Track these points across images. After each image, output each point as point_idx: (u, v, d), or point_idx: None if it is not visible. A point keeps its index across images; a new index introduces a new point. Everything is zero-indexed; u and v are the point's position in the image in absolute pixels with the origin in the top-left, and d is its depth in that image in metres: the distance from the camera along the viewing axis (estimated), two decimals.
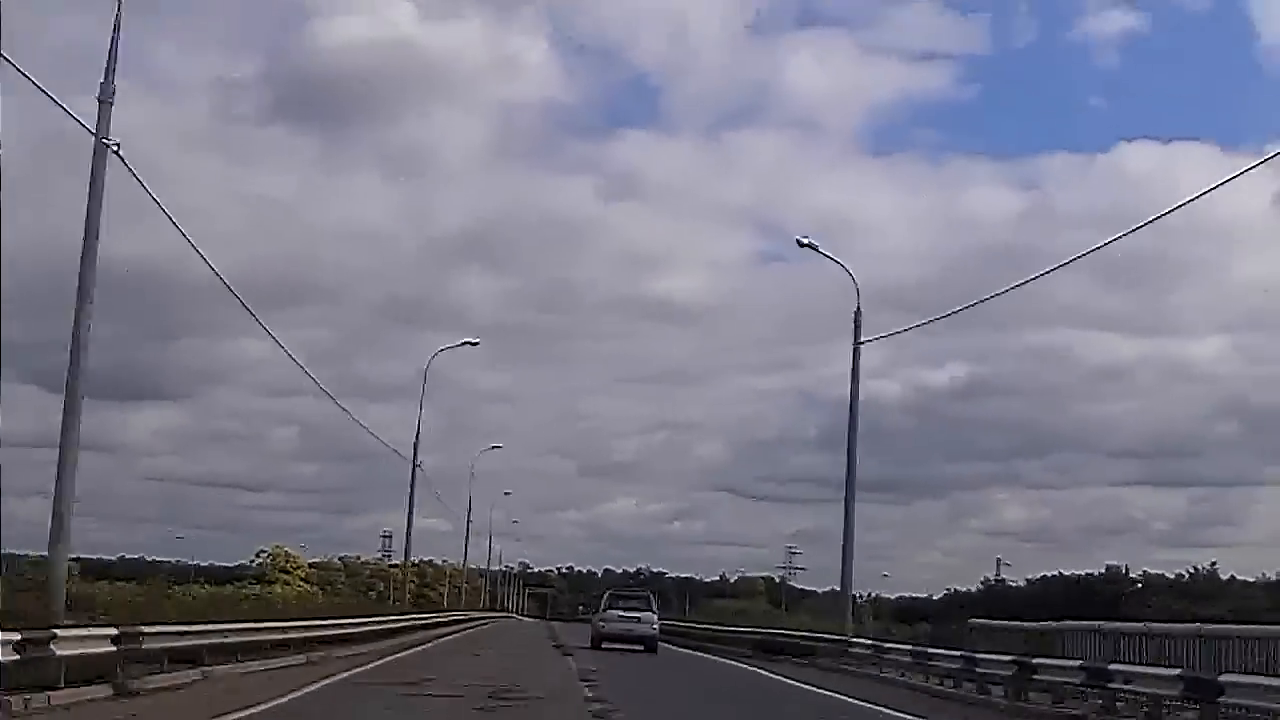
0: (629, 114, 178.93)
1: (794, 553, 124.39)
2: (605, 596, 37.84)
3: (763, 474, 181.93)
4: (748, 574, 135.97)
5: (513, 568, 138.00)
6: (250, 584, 62.46)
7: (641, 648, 34.65)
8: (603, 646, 34.56)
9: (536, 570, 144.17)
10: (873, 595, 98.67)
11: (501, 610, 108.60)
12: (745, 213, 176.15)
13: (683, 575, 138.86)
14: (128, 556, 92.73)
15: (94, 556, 73.84)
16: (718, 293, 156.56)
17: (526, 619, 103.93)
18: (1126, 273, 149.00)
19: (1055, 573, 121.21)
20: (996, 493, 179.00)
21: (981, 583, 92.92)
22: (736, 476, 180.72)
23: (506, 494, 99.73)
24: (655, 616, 36.09)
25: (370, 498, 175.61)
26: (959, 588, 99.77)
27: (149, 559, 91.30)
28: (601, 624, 36.04)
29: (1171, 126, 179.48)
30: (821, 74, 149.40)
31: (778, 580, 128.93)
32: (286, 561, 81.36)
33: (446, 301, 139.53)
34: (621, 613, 35.70)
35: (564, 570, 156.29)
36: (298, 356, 32.78)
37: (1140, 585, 73.93)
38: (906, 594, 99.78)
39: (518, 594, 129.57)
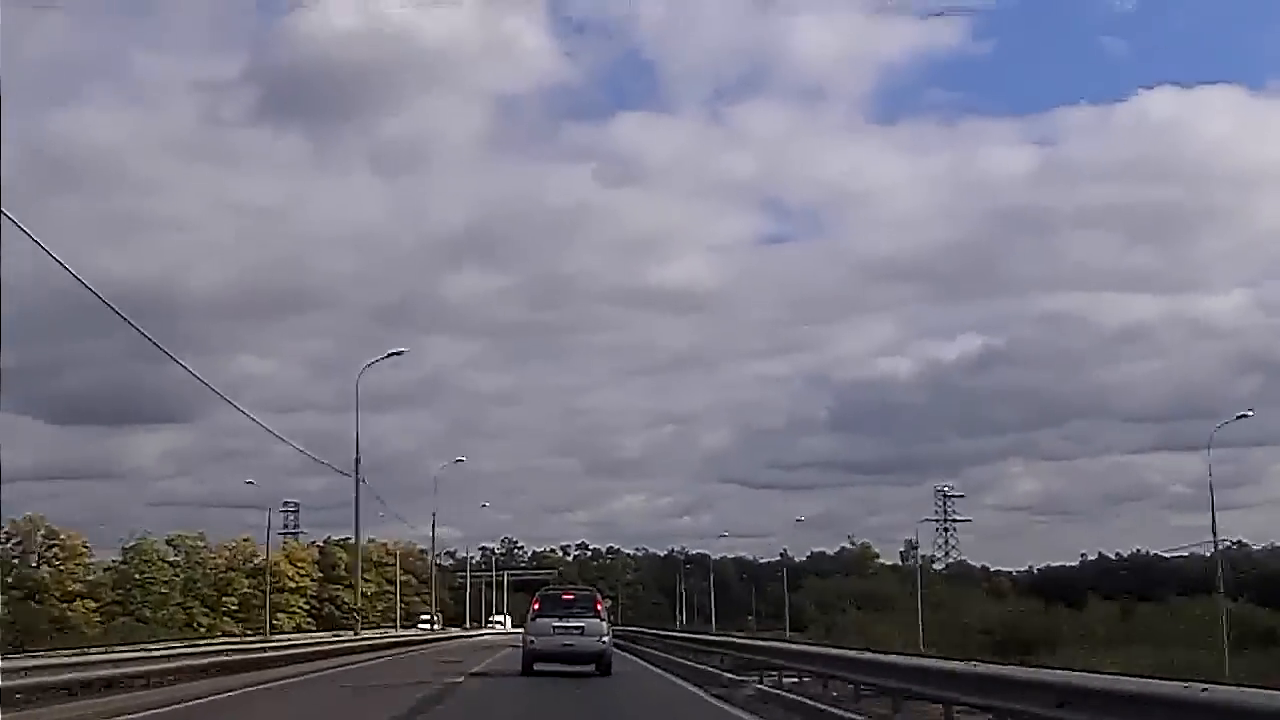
0: (628, 93, 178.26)
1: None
2: (536, 601, 28.27)
3: (770, 461, 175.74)
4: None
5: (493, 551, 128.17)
6: None
7: (590, 668, 26.74)
8: (535, 670, 26.79)
9: (537, 566, 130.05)
10: None
11: (474, 626, 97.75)
12: (749, 190, 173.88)
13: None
14: None
15: None
16: (721, 277, 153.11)
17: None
18: (1147, 228, 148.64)
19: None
20: (1011, 466, 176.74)
21: None
22: (743, 466, 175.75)
23: (484, 506, 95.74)
24: (605, 624, 27.52)
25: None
26: None
27: None
28: (532, 640, 27.37)
29: (1193, 70, 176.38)
30: (827, 37, 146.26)
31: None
32: None
33: (445, 302, 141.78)
34: (558, 622, 26.97)
35: (574, 553, 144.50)
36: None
37: None
38: None
39: (506, 595, 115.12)
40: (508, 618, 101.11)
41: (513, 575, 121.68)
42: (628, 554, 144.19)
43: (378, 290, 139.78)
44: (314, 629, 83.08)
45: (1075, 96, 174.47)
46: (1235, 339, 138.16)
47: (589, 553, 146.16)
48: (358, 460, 43.91)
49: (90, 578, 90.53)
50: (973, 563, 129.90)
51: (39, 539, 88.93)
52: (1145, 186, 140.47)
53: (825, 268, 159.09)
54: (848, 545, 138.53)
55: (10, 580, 76.90)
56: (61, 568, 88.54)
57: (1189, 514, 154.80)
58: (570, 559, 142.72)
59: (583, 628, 26.74)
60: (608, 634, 27.44)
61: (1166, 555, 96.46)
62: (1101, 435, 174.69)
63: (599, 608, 27.46)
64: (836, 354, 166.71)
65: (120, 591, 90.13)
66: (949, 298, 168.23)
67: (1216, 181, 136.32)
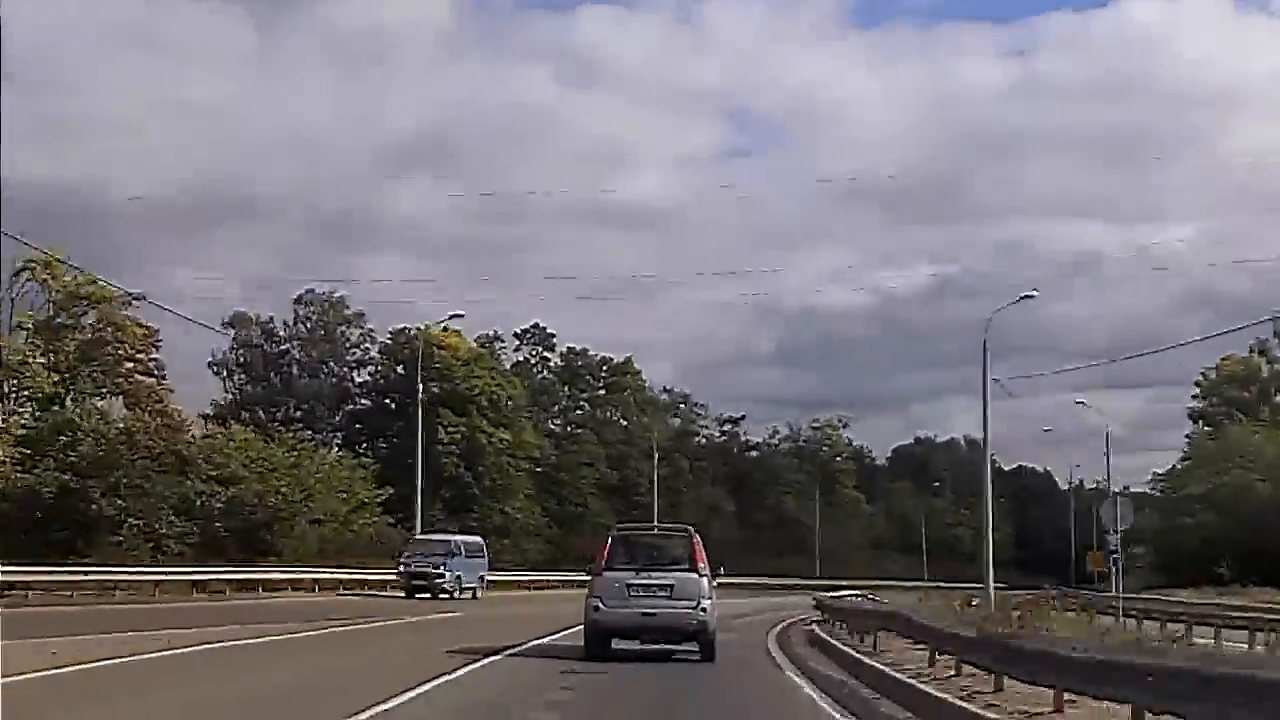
0: None
1: None
2: (609, 545, 19.68)
3: (715, 395, 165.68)
4: None
5: None
6: None
7: (683, 647, 19.16)
8: (614, 649, 18.96)
9: None
10: None
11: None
12: (714, 98, 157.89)
13: None
14: None
15: None
16: (680, 195, 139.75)
17: None
18: (1114, 151, 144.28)
19: None
20: (955, 402, 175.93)
21: None
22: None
23: None
24: (706, 581, 18.96)
25: None
26: None
27: None
28: (597, 606, 18.75)
29: None
30: None
31: None
32: None
33: (390, 215, 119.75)
34: (634, 578, 18.80)
35: None
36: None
37: None
38: None
39: None
40: None
41: None
42: None
43: (321, 201, 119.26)
44: None
45: (1058, 2, 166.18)
46: (1183, 272, 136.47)
47: None
48: None
49: None
50: None
51: None
52: (1116, 105, 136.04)
53: (786, 187, 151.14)
54: None
55: None
56: None
57: (1123, 455, 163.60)
58: None
59: (672, 586, 18.61)
60: (710, 595, 18.89)
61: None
62: (1043, 367, 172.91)
63: (697, 556, 18.96)
64: (787, 280, 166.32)
65: None
66: (906, 222, 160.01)
67: (1188, 100, 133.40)
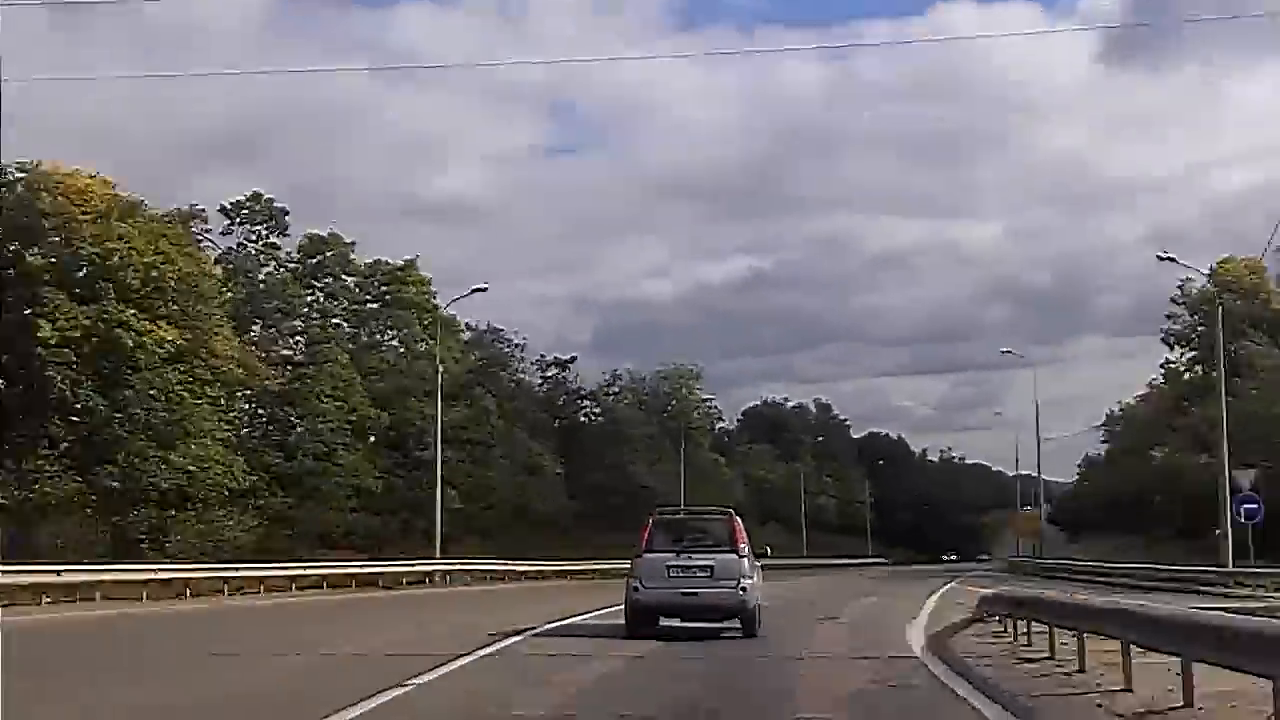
0: None
1: None
2: (650, 526, 19.00)
3: None
4: None
5: None
6: None
7: (726, 623, 18.52)
8: (660, 626, 18.40)
9: None
10: None
11: None
12: (537, 94, 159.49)
13: None
14: None
15: None
16: (500, 189, 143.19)
17: None
18: (929, 150, 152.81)
19: None
20: (768, 387, 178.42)
21: None
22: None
23: None
24: (747, 562, 18.41)
25: None
26: None
27: None
28: (638, 587, 18.35)
29: None
30: None
31: None
32: None
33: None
34: (675, 560, 18.40)
35: None
36: None
37: None
38: None
39: None
40: None
41: None
42: None
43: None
44: None
45: (875, 9, 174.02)
46: (986, 266, 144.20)
47: None
48: None
49: None
50: None
51: None
52: (930, 107, 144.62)
53: (608, 183, 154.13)
54: None
55: None
56: None
57: (930, 435, 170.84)
58: None
59: (712, 567, 18.30)
60: (752, 575, 18.56)
61: None
62: (856, 358, 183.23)
63: (738, 537, 18.65)
64: (606, 274, 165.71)
65: None
66: (725, 217, 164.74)
67: (997, 104, 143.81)
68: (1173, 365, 69.17)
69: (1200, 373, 66.01)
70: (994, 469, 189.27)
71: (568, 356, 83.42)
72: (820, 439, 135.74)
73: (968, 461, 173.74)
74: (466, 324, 68.23)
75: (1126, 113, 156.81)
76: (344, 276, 59.63)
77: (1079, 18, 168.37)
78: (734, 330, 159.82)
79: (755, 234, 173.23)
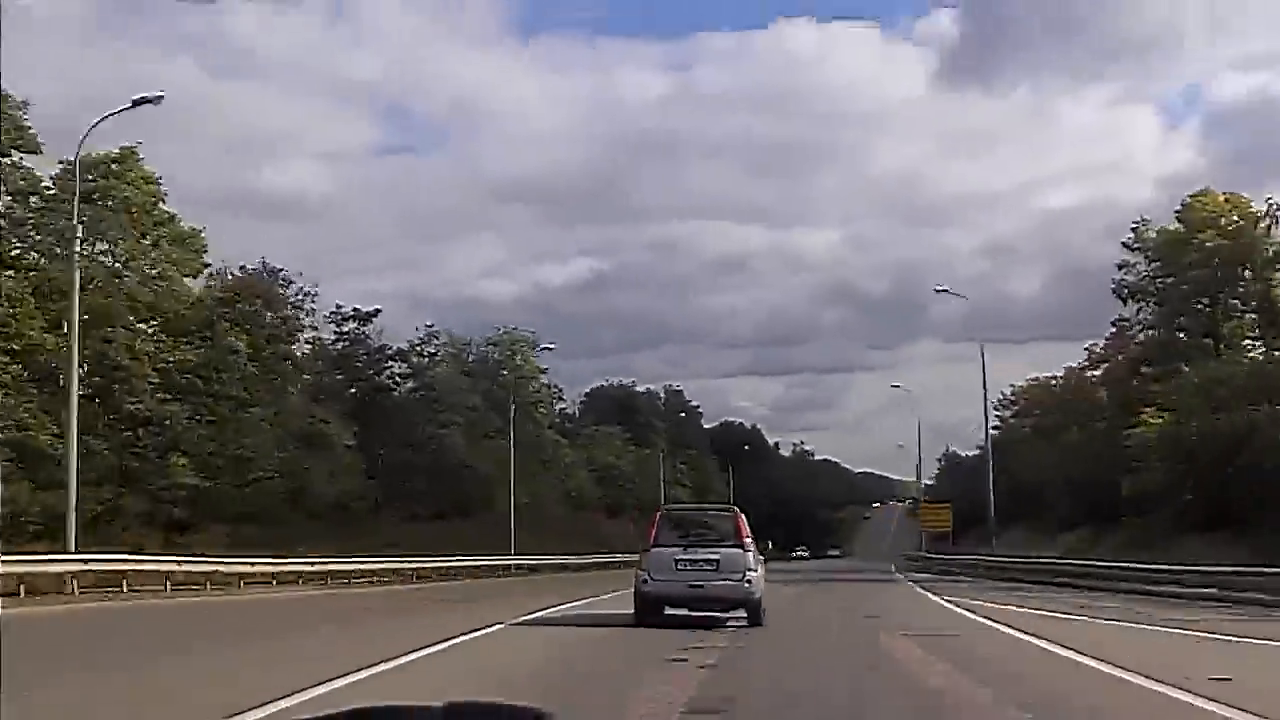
0: None
1: None
2: (657, 522, 19.72)
3: None
4: None
5: None
6: None
7: (732, 614, 18.66)
8: (666, 615, 18.42)
9: None
10: None
11: None
12: (374, 94, 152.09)
13: None
14: None
15: None
16: (335, 186, 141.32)
17: None
18: (769, 160, 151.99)
19: None
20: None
21: None
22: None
23: None
24: (751, 555, 18.98)
25: None
26: None
27: None
28: (646, 580, 18.75)
29: (832, 5, 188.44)
30: None
31: None
32: None
33: None
34: (682, 554, 18.73)
35: None
36: None
37: None
38: None
39: None
40: None
41: None
42: None
43: None
44: None
45: (717, 22, 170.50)
46: (825, 272, 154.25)
47: None
48: None
49: None
50: None
51: None
52: (771, 119, 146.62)
53: (447, 183, 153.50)
54: None
55: None
56: None
57: (773, 435, 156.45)
58: None
59: (718, 561, 18.78)
60: (756, 568, 19.06)
61: None
62: (696, 359, 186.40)
63: (742, 532, 19.22)
64: (444, 273, 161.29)
65: None
66: (567, 221, 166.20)
67: (837, 118, 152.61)
68: (1125, 324, 56.03)
69: (1161, 335, 53.20)
70: (842, 465, 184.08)
71: (370, 309, 66.32)
72: (672, 425, 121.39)
73: (818, 457, 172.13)
74: (237, 271, 51.02)
75: (961, 130, 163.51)
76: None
77: (916, 38, 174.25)
78: (574, 331, 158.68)
79: (597, 237, 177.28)
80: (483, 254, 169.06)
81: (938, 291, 53.17)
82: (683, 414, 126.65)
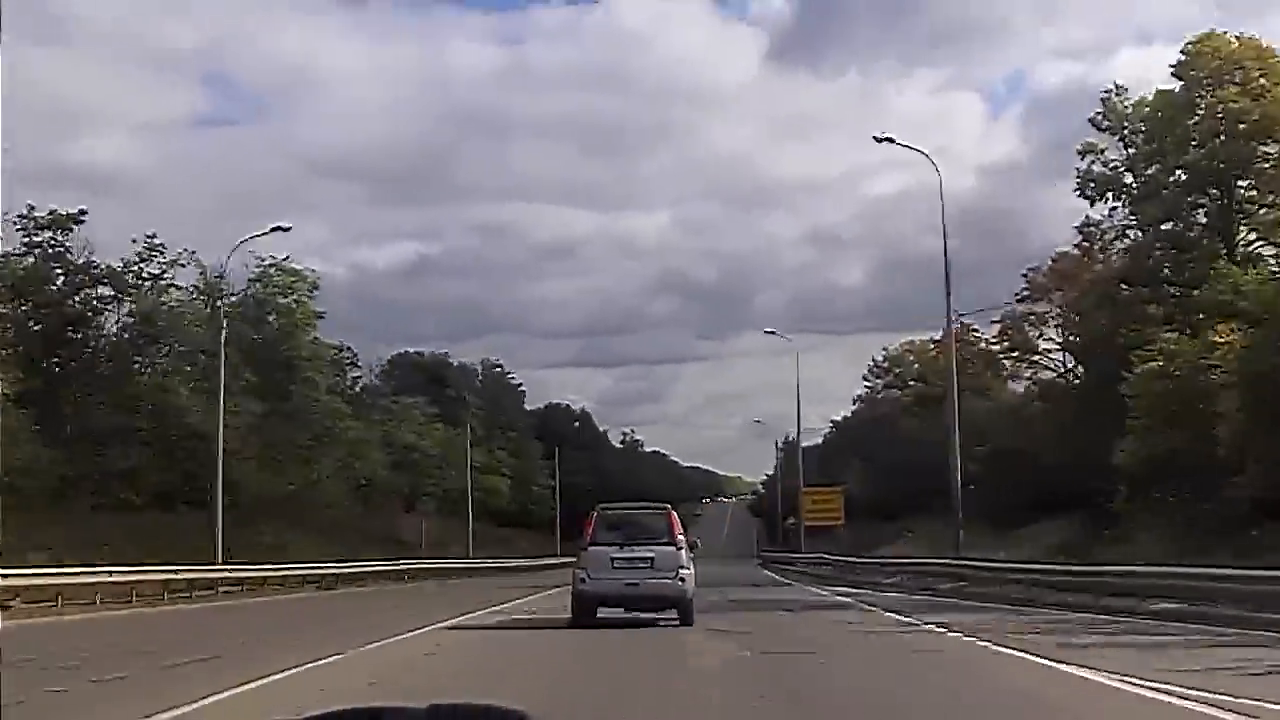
0: None
1: None
2: (594, 521, 20.21)
3: None
4: None
5: None
6: None
7: (661, 613, 19.36)
8: (599, 616, 19.36)
9: None
10: None
11: None
12: (191, 65, 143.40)
13: None
14: None
15: None
16: (150, 159, 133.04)
17: None
18: (599, 141, 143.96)
19: None
20: None
21: None
22: None
23: None
24: (684, 554, 19.60)
25: None
26: None
27: None
28: (583, 579, 19.57)
29: None
30: None
31: None
32: None
33: None
34: (618, 552, 19.39)
35: None
36: None
37: None
38: None
39: None
40: None
41: None
42: None
43: None
44: None
45: None
46: (655, 259, 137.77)
47: None
48: None
49: None
50: None
51: None
52: (603, 98, 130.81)
53: (267, 158, 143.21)
54: None
55: None
56: None
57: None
58: None
59: (652, 559, 19.42)
60: (689, 566, 19.76)
61: None
62: (522, 349, 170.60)
63: (675, 530, 19.84)
64: (260, 251, 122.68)
65: None
66: (391, 201, 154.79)
67: (668, 98, 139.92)
68: (1092, 229, 41.89)
69: (1153, 238, 39.28)
70: (671, 457, 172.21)
71: (76, 209, 47.63)
72: (490, 403, 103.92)
73: (647, 449, 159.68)
74: None
75: (791, 114, 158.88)
76: None
77: (751, 17, 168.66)
78: (396, 317, 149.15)
79: (422, 219, 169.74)
80: (303, 233, 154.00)
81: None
82: (503, 393, 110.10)
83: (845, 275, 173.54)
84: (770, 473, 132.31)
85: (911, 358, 78.66)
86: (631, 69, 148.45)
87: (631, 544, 19.37)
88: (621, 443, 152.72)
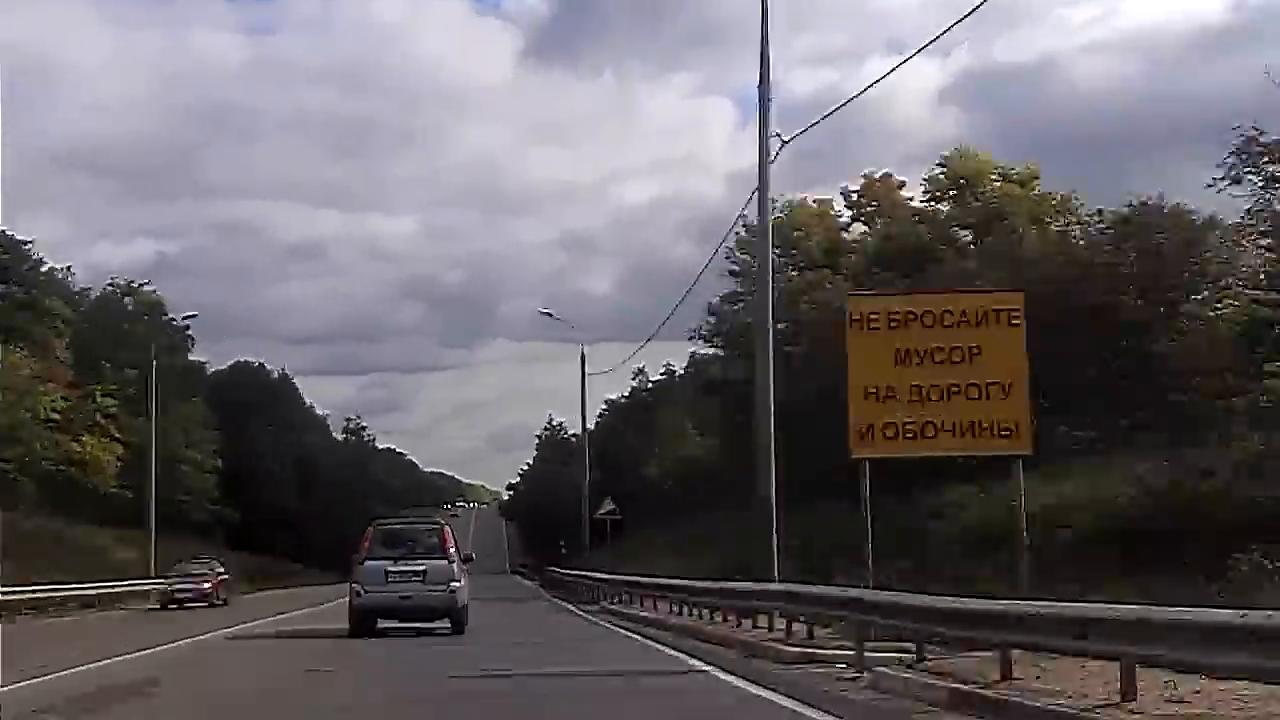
0: None
1: None
2: (370, 536, 21.49)
3: None
4: None
5: None
6: None
7: (435, 623, 20.90)
8: (377, 628, 20.62)
9: None
10: None
11: None
12: None
13: None
14: None
15: None
16: None
17: None
18: (347, 140, 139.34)
19: None
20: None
21: None
22: None
23: None
24: (455, 567, 21.08)
25: None
26: None
27: None
28: (360, 592, 20.69)
29: None
30: None
31: None
32: None
33: None
34: (392, 566, 20.73)
35: None
36: None
37: None
38: None
39: None
40: None
41: None
42: None
43: None
44: None
45: None
46: (402, 263, 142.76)
47: None
48: None
49: None
50: None
51: None
52: (353, 94, 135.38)
53: (5, 148, 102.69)
54: None
55: None
56: None
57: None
58: None
59: (425, 572, 20.71)
60: (460, 579, 21.08)
61: None
62: (262, 356, 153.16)
63: (448, 545, 21.36)
64: None
65: None
66: (130, 196, 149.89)
67: (419, 97, 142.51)
68: None
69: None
70: (408, 458, 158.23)
71: None
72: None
73: (379, 446, 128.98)
74: None
75: (545, 117, 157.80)
76: None
77: (507, 13, 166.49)
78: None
79: (163, 216, 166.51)
80: (40, 229, 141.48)
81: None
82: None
83: (596, 283, 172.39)
84: (515, 480, 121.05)
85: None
86: (383, 65, 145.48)
87: (406, 559, 20.69)
88: (346, 432, 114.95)
